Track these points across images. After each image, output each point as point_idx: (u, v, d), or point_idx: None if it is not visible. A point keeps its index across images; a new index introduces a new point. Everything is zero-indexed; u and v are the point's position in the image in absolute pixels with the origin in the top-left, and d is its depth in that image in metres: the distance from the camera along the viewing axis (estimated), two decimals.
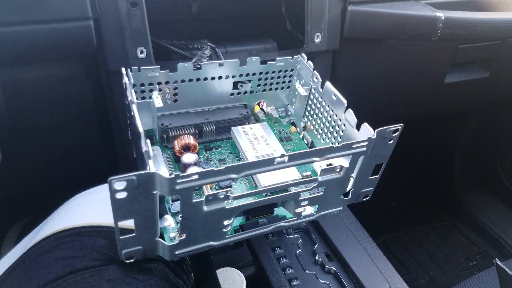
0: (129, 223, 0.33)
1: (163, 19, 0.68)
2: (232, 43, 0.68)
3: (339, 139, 0.48)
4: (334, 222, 0.66)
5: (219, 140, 0.53)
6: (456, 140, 1.34)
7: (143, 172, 0.30)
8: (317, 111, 0.52)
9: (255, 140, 0.51)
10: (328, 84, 0.48)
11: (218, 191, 0.33)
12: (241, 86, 0.54)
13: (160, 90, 0.49)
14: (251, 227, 0.42)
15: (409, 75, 0.89)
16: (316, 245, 0.63)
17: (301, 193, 0.40)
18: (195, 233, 0.37)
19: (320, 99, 0.51)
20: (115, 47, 0.57)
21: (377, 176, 0.44)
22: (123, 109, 0.52)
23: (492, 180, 1.31)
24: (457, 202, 1.33)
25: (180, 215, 0.34)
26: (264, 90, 0.56)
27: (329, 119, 0.49)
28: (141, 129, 0.37)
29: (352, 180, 0.43)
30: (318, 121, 0.52)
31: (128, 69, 0.46)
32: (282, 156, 0.35)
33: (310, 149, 0.37)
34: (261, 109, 0.58)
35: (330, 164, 0.40)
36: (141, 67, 0.47)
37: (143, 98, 0.49)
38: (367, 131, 0.41)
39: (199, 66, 0.50)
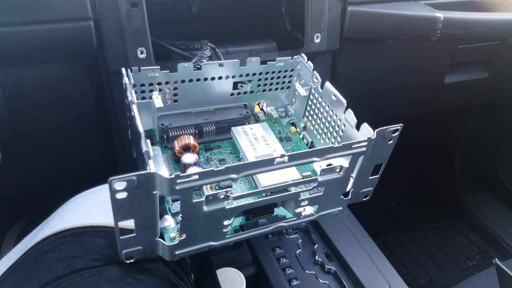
0: (129, 223, 0.33)
1: (163, 19, 0.68)
2: (232, 44, 0.68)
3: (339, 139, 0.48)
4: (334, 222, 0.66)
5: (219, 140, 0.53)
6: (456, 140, 1.34)
7: (143, 172, 0.30)
8: (317, 111, 0.52)
9: (255, 140, 0.51)
10: (328, 84, 0.49)
11: (218, 191, 0.33)
12: (241, 86, 0.55)
13: (160, 90, 0.49)
14: (251, 227, 0.42)
15: (408, 75, 0.89)
16: (316, 245, 0.63)
17: (301, 193, 0.40)
18: (195, 233, 0.37)
19: (320, 99, 0.51)
20: (115, 47, 0.57)
21: (377, 176, 0.44)
22: (123, 109, 0.52)
23: (492, 180, 1.31)
24: (457, 202, 1.33)
25: (180, 215, 0.34)
26: (264, 90, 0.56)
27: (329, 119, 0.49)
28: (141, 129, 0.37)
29: (352, 180, 0.43)
30: (318, 121, 0.52)
31: (128, 69, 0.46)
32: (282, 156, 0.35)
33: (310, 149, 0.37)
34: (261, 109, 0.58)
35: (330, 164, 0.40)
36: (141, 67, 0.47)
37: (143, 98, 0.49)
38: (366, 131, 0.41)
39: (199, 66, 0.50)
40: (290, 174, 0.46)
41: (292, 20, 0.74)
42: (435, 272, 1.13)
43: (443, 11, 0.75)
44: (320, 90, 0.50)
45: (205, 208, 0.34)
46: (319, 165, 0.49)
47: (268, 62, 0.53)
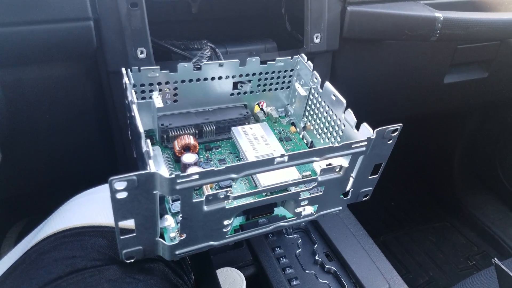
0: (129, 223, 0.33)
1: (163, 19, 0.68)
2: (232, 44, 0.68)
3: (339, 139, 0.48)
4: (333, 222, 0.66)
5: (219, 140, 0.53)
6: (455, 140, 1.34)
7: (143, 172, 0.30)
8: (316, 111, 0.52)
9: (255, 140, 0.51)
10: (327, 84, 0.49)
11: (218, 191, 0.33)
12: (241, 86, 0.55)
13: (160, 90, 0.49)
14: (251, 227, 0.42)
15: (408, 75, 0.89)
16: (316, 245, 0.63)
17: (301, 193, 0.40)
18: (195, 233, 0.37)
19: (319, 99, 0.51)
20: (115, 48, 0.57)
21: (377, 176, 0.44)
22: (123, 109, 0.52)
23: (492, 180, 1.31)
24: (457, 202, 1.33)
25: (180, 215, 0.34)
26: (264, 90, 0.56)
27: (329, 119, 0.49)
28: (141, 129, 0.37)
29: (351, 180, 0.43)
30: (318, 121, 0.52)
31: (128, 69, 0.46)
32: (282, 156, 0.35)
33: (310, 149, 0.37)
34: (261, 109, 0.58)
35: (329, 164, 0.40)
36: (141, 67, 0.47)
37: (143, 98, 0.49)
38: (366, 131, 0.41)
39: (199, 66, 0.50)
40: (290, 174, 0.46)
41: (292, 20, 0.74)
42: (435, 272, 1.14)
43: (443, 11, 0.75)
44: (320, 90, 0.50)
45: (205, 208, 0.34)
46: (319, 165, 0.49)
47: (268, 62, 0.53)
